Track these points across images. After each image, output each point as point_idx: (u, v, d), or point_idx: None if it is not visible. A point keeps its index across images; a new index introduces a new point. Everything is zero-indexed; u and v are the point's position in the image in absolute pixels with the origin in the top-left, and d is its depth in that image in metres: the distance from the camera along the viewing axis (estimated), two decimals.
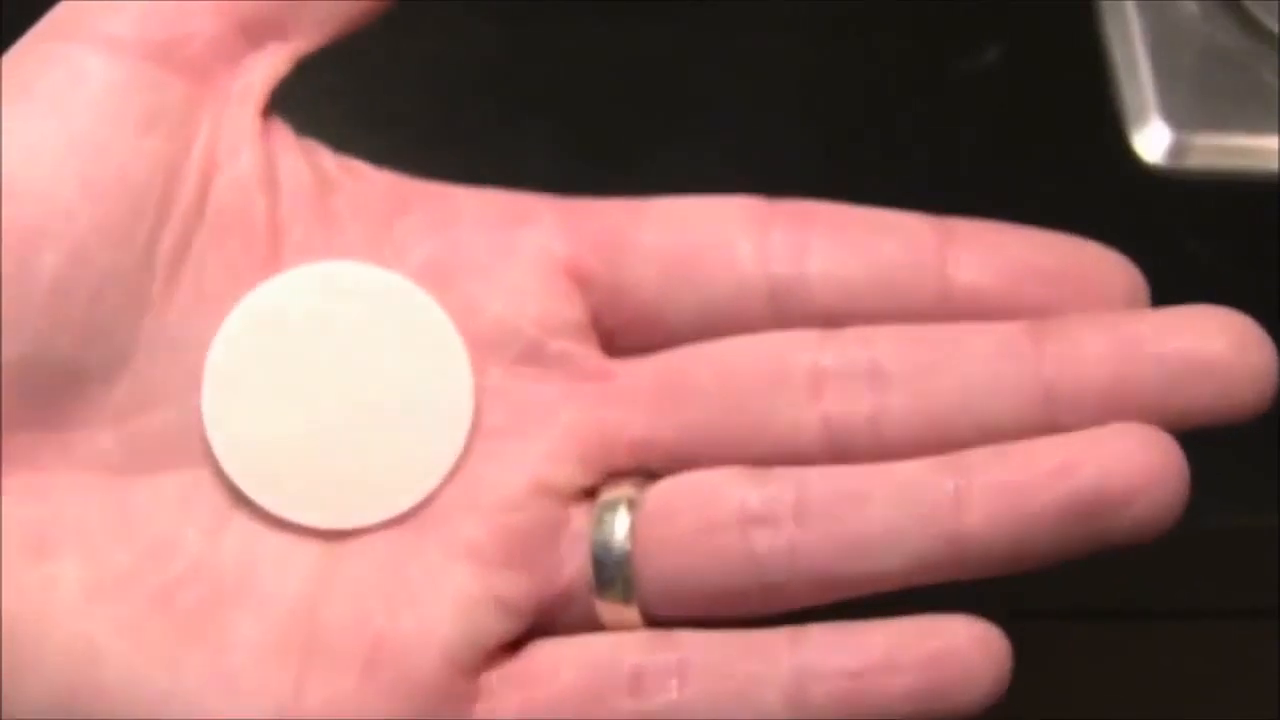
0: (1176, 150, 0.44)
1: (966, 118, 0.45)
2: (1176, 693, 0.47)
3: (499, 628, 0.30)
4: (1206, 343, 0.30)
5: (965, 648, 0.30)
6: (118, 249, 0.30)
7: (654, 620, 0.31)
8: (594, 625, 0.31)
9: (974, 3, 0.46)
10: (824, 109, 0.45)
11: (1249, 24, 0.46)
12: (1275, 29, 0.46)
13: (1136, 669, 0.46)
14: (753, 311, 0.32)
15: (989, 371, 0.31)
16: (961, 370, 0.31)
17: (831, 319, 0.32)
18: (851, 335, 0.31)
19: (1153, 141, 0.44)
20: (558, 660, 0.31)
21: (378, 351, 0.31)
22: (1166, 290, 0.44)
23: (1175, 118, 0.45)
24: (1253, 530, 0.41)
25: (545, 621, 0.31)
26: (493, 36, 0.45)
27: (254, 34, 0.31)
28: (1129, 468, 0.29)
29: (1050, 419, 0.30)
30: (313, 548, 0.31)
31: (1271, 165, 0.44)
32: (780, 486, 0.31)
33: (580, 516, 0.31)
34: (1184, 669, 0.46)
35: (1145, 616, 0.44)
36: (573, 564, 0.31)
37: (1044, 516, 0.30)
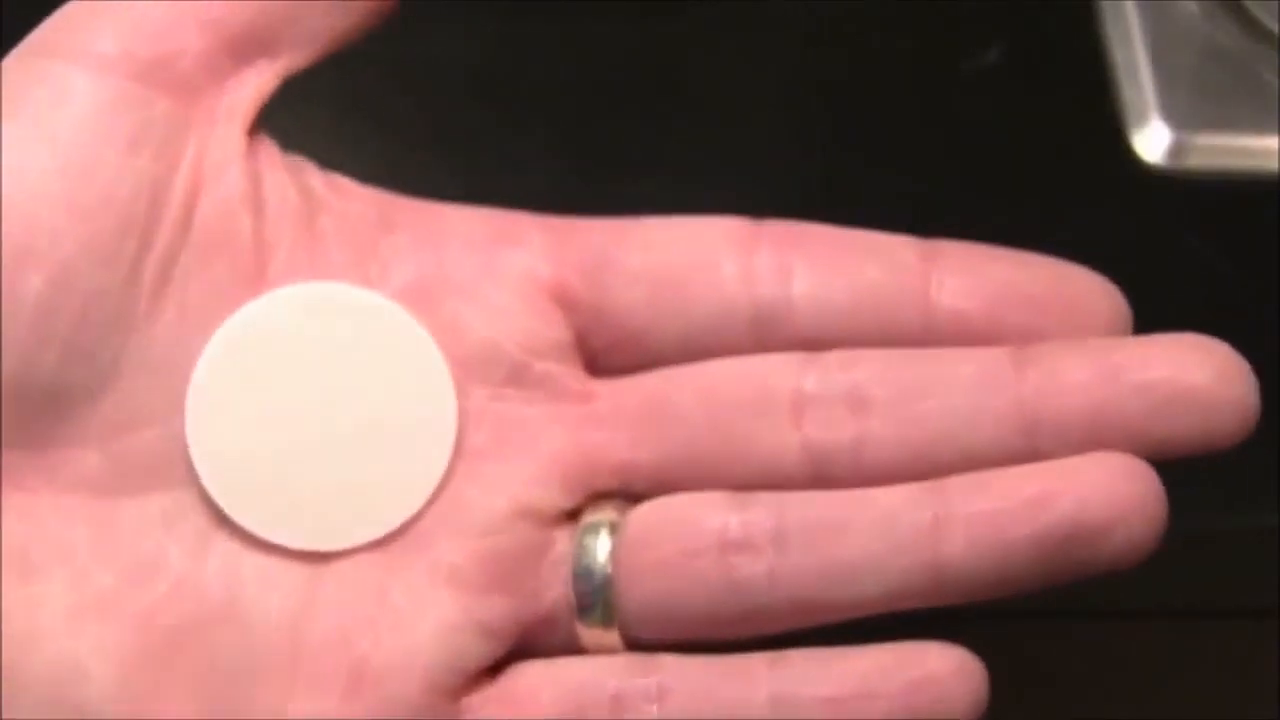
0: (1176, 150, 0.44)
1: (966, 118, 0.45)
2: (1176, 693, 0.47)
3: (480, 651, 0.31)
4: (1189, 373, 0.30)
5: (943, 676, 0.30)
6: (104, 269, 0.29)
7: (635, 644, 0.31)
8: (576, 648, 0.31)
9: (974, 3, 0.46)
10: (824, 109, 0.45)
11: (1249, 24, 0.46)
12: (1275, 29, 0.46)
13: (1136, 669, 0.46)
14: (736, 334, 0.32)
15: (971, 398, 0.31)
16: (943, 396, 0.31)
17: (815, 342, 0.32)
18: (834, 359, 0.31)
19: (1153, 141, 0.44)
20: (538, 683, 0.31)
21: (361, 373, 0.31)
22: (1167, 290, 0.44)
23: (1175, 118, 0.45)
24: (1253, 530, 0.41)
25: (527, 644, 0.31)
26: (489, 38, 0.45)
27: (242, 52, 0.31)
28: (1107, 498, 0.30)
29: (1031, 446, 0.30)
30: (296, 569, 0.31)
31: (1271, 165, 0.44)
32: (761, 512, 0.31)
33: (562, 540, 0.31)
34: (1184, 669, 0.46)
35: (1145, 616, 0.44)
36: (554, 587, 0.31)
37: (1022, 546, 0.30)
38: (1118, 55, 0.46)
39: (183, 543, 0.30)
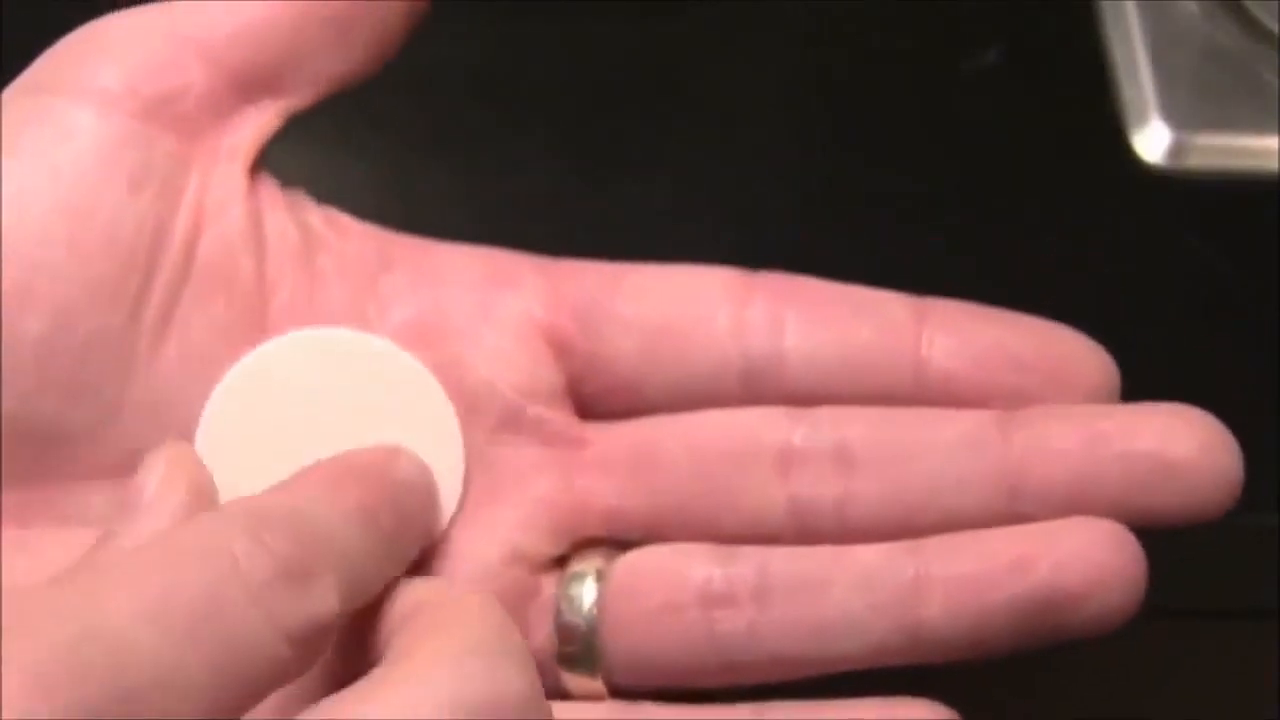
0: (1176, 150, 0.44)
1: (966, 118, 0.45)
2: (1176, 693, 0.47)
3: None
4: (1173, 444, 0.30)
5: None
6: (105, 309, 0.29)
7: (619, 691, 0.31)
8: (560, 694, 0.32)
9: (974, 3, 0.46)
10: (824, 109, 0.45)
11: (1249, 24, 0.46)
12: (1275, 29, 0.46)
13: (1135, 669, 0.46)
14: (727, 386, 0.32)
15: (956, 461, 0.31)
16: (929, 458, 0.31)
17: (805, 397, 0.32)
18: (823, 416, 0.32)
19: (1153, 141, 0.44)
20: None
21: (369, 419, 0.31)
22: (1167, 290, 0.44)
23: (1175, 118, 0.45)
24: (1253, 530, 0.41)
25: None
26: (489, 38, 0.45)
27: (245, 90, 0.31)
28: (1085, 564, 0.30)
29: (1014, 510, 0.31)
30: None
31: (1271, 165, 0.44)
32: (744, 566, 0.31)
33: (550, 585, 0.32)
34: (1184, 669, 0.46)
35: (1144, 616, 0.44)
36: (541, 633, 0.31)
37: (1000, 610, 0.30)
38: (1118, 55, 0.46)
39: None
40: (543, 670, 0.31)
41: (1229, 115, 0.45)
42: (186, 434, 0.30)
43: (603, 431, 0.32)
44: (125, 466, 0.30)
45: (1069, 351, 0.32)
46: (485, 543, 0.31)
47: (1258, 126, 0.45)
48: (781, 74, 0.46)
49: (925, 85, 0.46)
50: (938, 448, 0.31)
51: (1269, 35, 0.46)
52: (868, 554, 0.31)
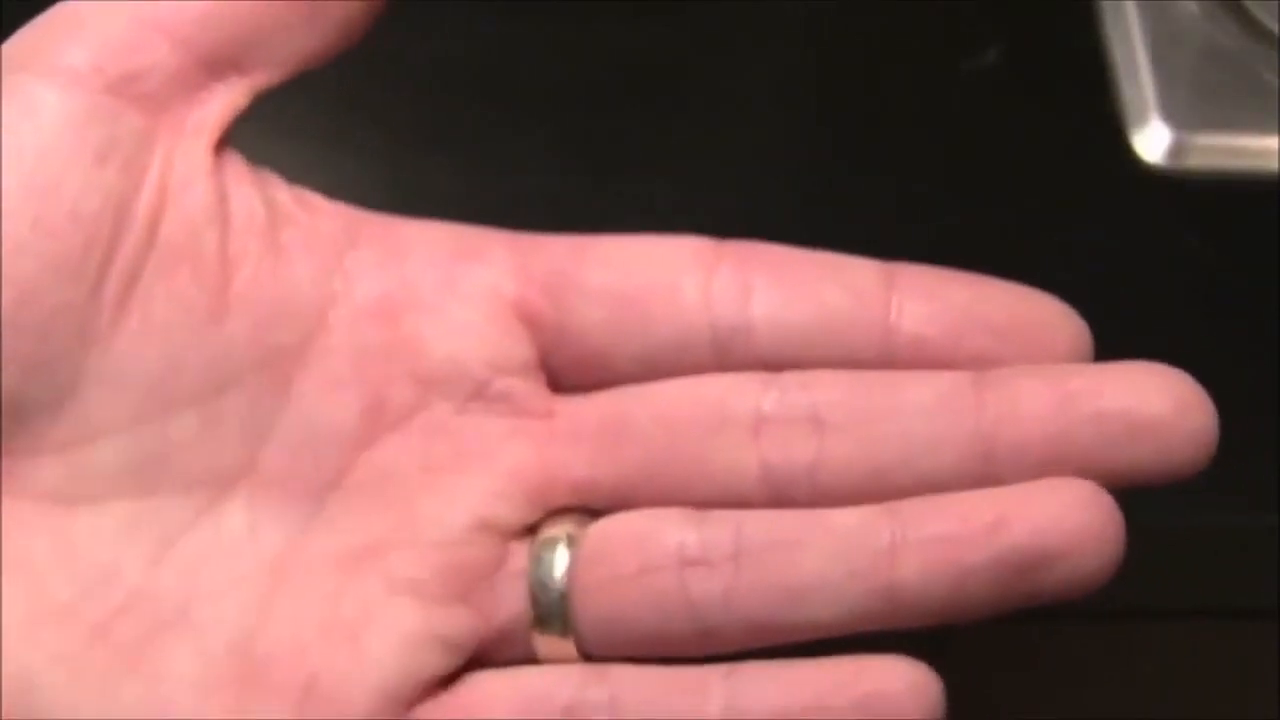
0: (1176, 150, 0.44)
1: (966, 118, 0.45)
2: (1176, 693, 0.47)
3: (437, 663, 0.31)
4: (1146, 402, 0.30)
5: (897, 691, 0.30)
6: (68, 284, 0.29)
7: (591, 656, 0.31)
8: (532, 659, 0.31)
9: (974, 3, 0.46)
10: (823, 109, 0.45)
11: (1249, 24, 0.46)
12: (1275, 29, 0.46)
13: (1136, 669, 0.46)
14: (697, 354, 0.32)
15: (929, 423, 0.31)
16: (902, 420, 0.31)
17: (774, 364, 0.32)
18: (792, 380, 0.31)
19: (1153, 141, 0.44)
20: (492, 694, 0.31)
21: None
22: (1167, 290, 0.44)
23: (1175, 118, 0.45)
24: (1253, 530, 0.41)
25: (483, 655, 0.32)
26: (490, 38, 0.45)
27: (212, 68, 0.31)
28: (1061, 525, 0.30)
29: (989, 472, 0.30)
30: (253, 581, 0.31)
31: (1271, 165, 0.44)
32: (718, 530, 0.31)
33: (520, 553, 0.32)
34: (1184, 669, 0.46)
35: (1145, 616, 0.44)
36: (511, 600, 0.31)
37: (977, 571, 0.30)
38: (1118, 55, 0.46)
39: (140, 553, 0.30)
40: (513, 638, 0.31)
41: (1229, 115, 0.45)
42: (145, 407, 0.30)
43: (573, 403, 0.32)
44: (82, 440, 0.30)
45: (1041, 315, 0.32)
46: (452, 510, 0.31)
47: (1258, 126, 0.45)
48: (781, 74, 0.46)
49: (925, 85, 0.46)
50: (910, 410, 0.31)
51: (1269, 35, 0.46)
52: (842, 517, 0.31)
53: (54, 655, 0.29)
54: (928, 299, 0.32)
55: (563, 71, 0.45)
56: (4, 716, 0.29)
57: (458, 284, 0.32)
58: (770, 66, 0.46)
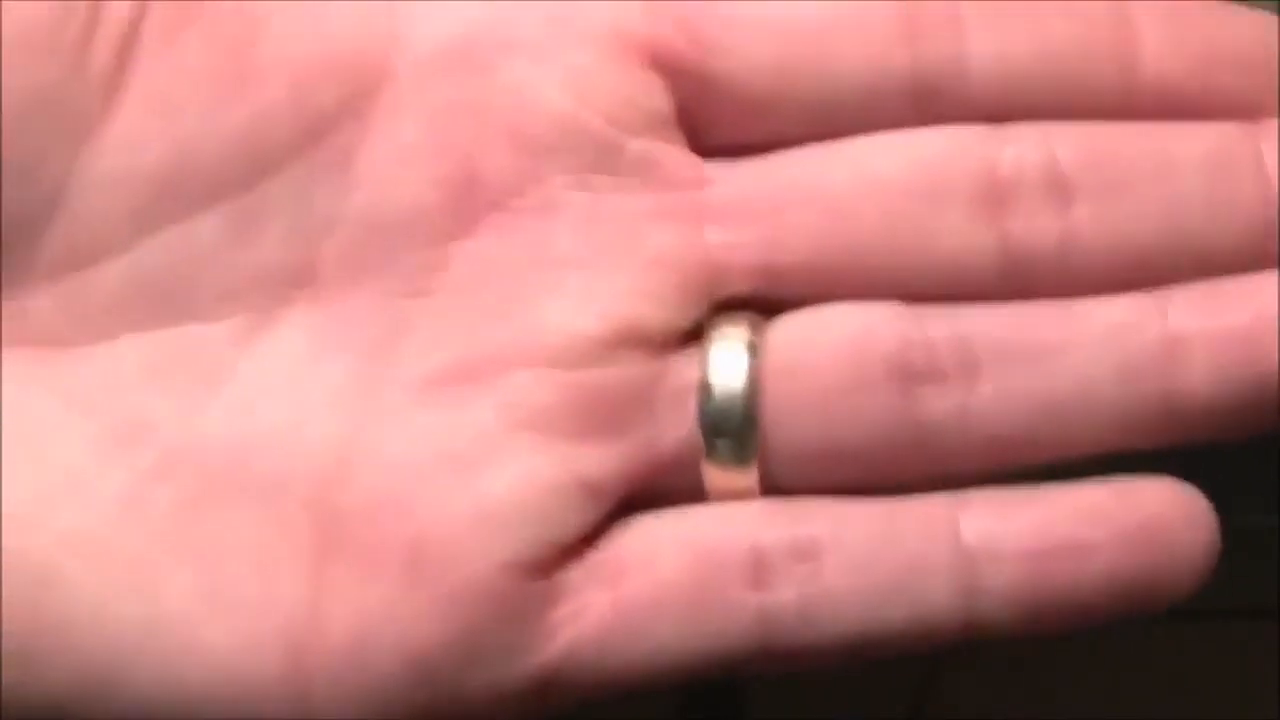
0: None
1: None
2: (1177, 692, 0.47)
3: (580, 515, 0.24)
4: None
5: (1171, 519, 0.25)
6: (39, 59, 0.23)
7: (775, 488, 0.25)
8: (698, 496, 0.25)
9: None
10: None
11: None
12: None
13: (1136, 669, 0.46)
14: (892, 105, 0.25)
15: (1204, 183, 0.25)
16: (1169, 181, 0.25)
17: (992, 115, 0.25)
18: (1028, 134, 0.25)
19: None
20: (655, 544, 0.25)
21: None
22: None
23: None
24: (1253, 530, 0.41)
25: (635, 496, 0.25)
26: None
27: None
28: None
29: (1274, 247, 0.25)
30: (324, 418, 0.24)
31: None
32: (949, 329, 0.25)
33: (679, 367, 0.25)
34: (1184, 669, 0.46)
35: (1144, 617, 0.44)
36: (671, 426, 0.25)
37: (1275, 374, 0.24)
38: None
39: (171, 398, 0.24)
40: (675, 472, 0.25)
41: None
42: (156, 211, 0.24)
43: (731, 170, 0.25)
44: (77, 262, 0.24)
45: None
46: (585, 316, 0.25)
47: None
48: None
49: None
50: (1179, 167, 0.25)
51: None
52: (1105, 309, 0.25)
53: (72, 539, 0.23)
54: (1169, 27, 0.25)
55: None
56: (18, 622, 0.23)
57: (566, 19, 0.25)
58: None
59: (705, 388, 0.25)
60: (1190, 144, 0.25)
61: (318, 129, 0.24)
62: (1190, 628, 0.45)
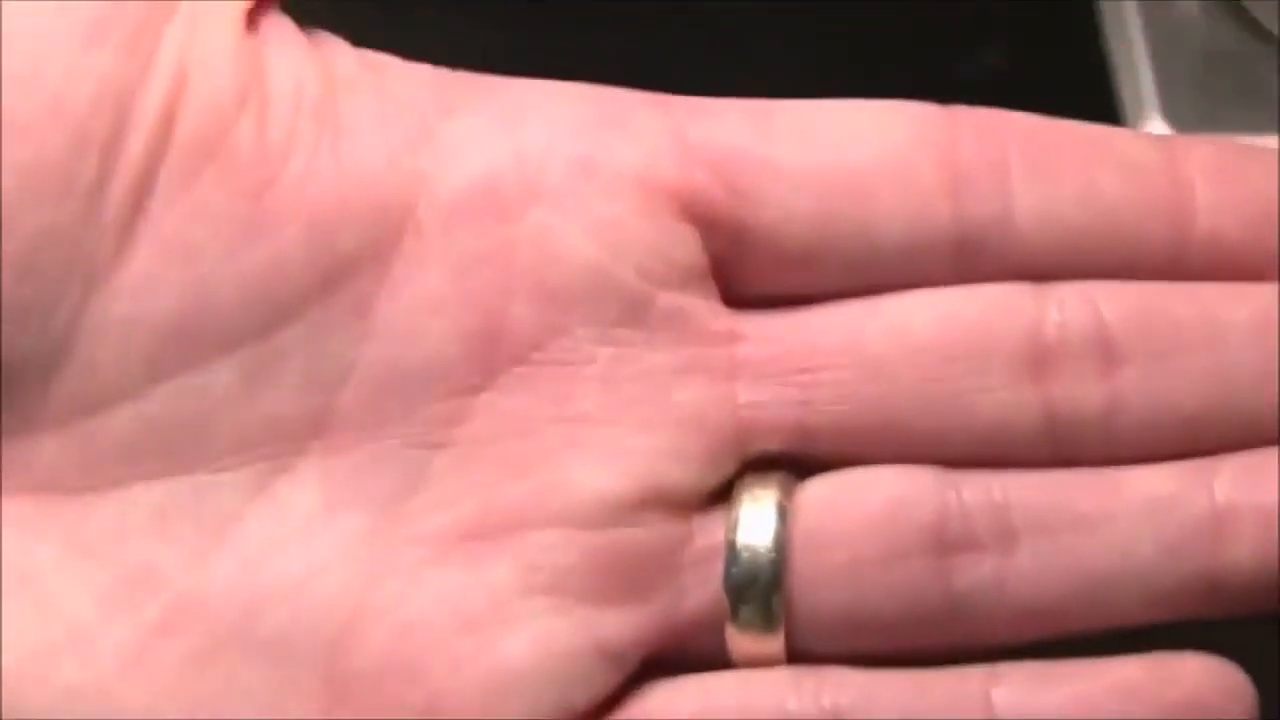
0: None
1: None
2: None
3: (599, 682, 0.24)
4: None
5: (1209, 697, 0.25)
6: (52, 202, 0.22)
7: (800, 655, 0.24)
8: (722, 662, 0.25)
9: (974, 3, 0.46)
10: None
11: (1249, 24, 0.46)
12: (1275, 29, 0.46)
13: None
14: (934, 260, 0.25)
15: (1250, 352, 0.24)
16: (1217, 348, 0.24)
17: (1035, 273, 0.24)
18: (1073, 294, 0.24)
19: None
20: (675, 712, 0.24)
21: None
22: None
23: (1175, 118, 0.44)
24: None
25: (656, 660, 0.25)
26: (491, 36, 0.45)
27: None
28: None
29: None
30: (337, 573, 0.24)
31: None
32: (987, 497, 0.24)
33: (706, 528, 0.25)
34: None
35: None
36: (696, 591, 0.24)
37: None
38: (1118, 55, 0.46)
39: (181, 549, 0.24)
40: (698, 637, 0.24)
41: (1229, 115, 0.45)
42: (168, 359, 0.23)
43: (764, 324, 0.25)
44: (87, 408, 0.23)
45: None
46: (610, 476, 0.24)
47: (1258, 126, 0.45)
48: (782, 74, 0.46)
49: (925, 85, 0.46)
50: (1228, 332, 0.24)
51: (1269, 35, 0.46)
52: (1150, 479, 0.24)
53: (78, 692, 0.23)
54: (1222, 180, 0.24)
55: (563, 73, 0.45)
56: None
57: (595, 164, 0.24)
58: (770, 68, 0.46)
59: (732, 550, 0.24)
60: (1240, 307, 0.24)
61: (336, 274, 0.24)
62: (1190, 628, 0.45)
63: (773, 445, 0.24)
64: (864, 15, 0.47)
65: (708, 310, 0.24)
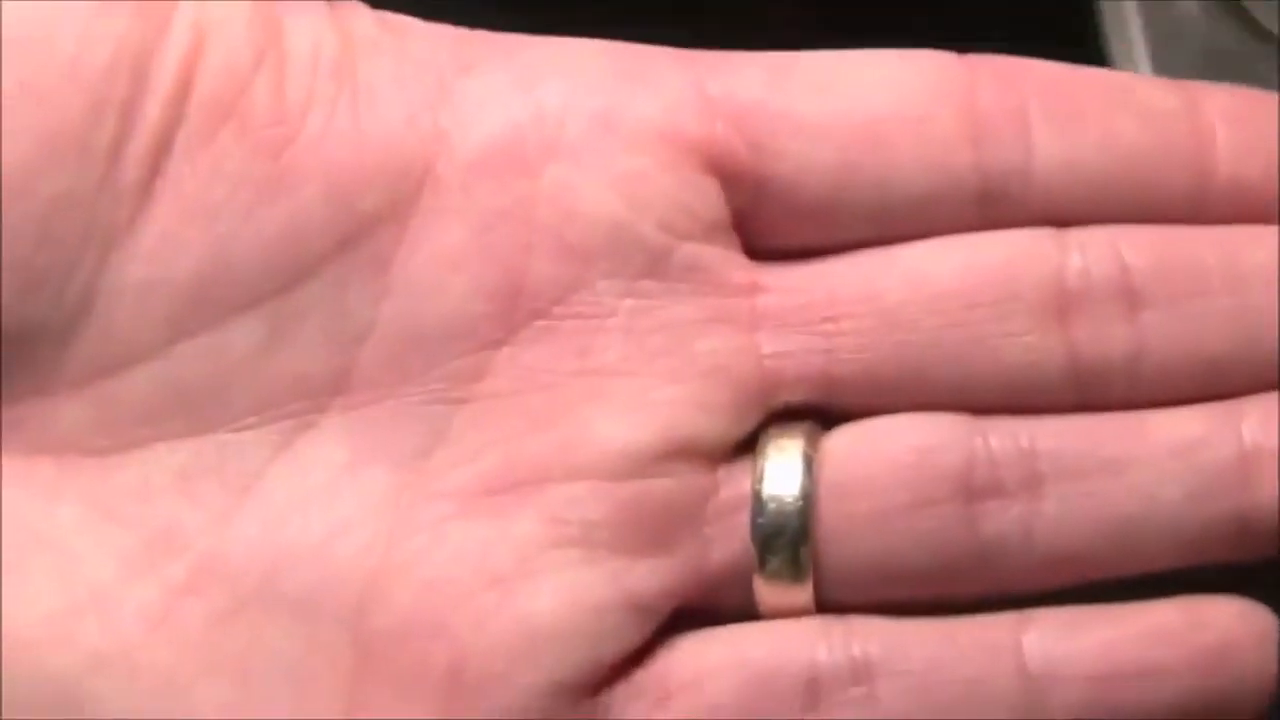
0: None
1: None
2: None
3: (628, 635, 0.24)
4: None
5: (1240, 640, 0.24)
6: (69, 167, 0.23)
7: (829, 606, 0.25)
8: (749, 613, 0.25)
9: (973, 2, 0.46)
10: None
11: (1249, 24, 0.46)
12: (1275, 29, 0.46)
13: None
14: (956, 208, 0.25)
15: (1270, 294, 0.24)
16: (1242, 290, 0.24)
17: (1057, 219, 0.25)
18: (1096, 239, 0.25)
19: None
20: (704, 664, 0.24)
21: None
22: None
23: None
24: None
25: (684, 611, 0.25)
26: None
27: None
28: None
29: None
30: (360, 531, 0.24)
31: None
32: (1013, 442, 0.25)
33: (732, 479, 0.25)
34: None
35: None
36: (724, 542, 0.25)
37: None
38: (1118, 55, 0.46)
39: (204, 509, 0.24)
40: (726, 588, 0.25)
41: None
42: (187, 319, 0.24)
43: (786, 275, 0.25)
44: (107, 370, 0.24)
45: None
46: (634, 429, 0.24)
47: None
48: None
49: None
50: (1251, 274, 0.24)
51: (1269, 35, 0.46)
52: (1175, 423, 0.24)
53: (102, 654, 0.23)
54: (1242, 126, 0.24)
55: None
56: None
57: (617, 120, 0.25)
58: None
59: (758, 501, 0.25)
60: (1261, 250, 0.24)
61: (355, 232, 0.24)
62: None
63: (797, 396, 0.24)
64: (863, 15, 0.47)
65: (729, 262, 0.24)
